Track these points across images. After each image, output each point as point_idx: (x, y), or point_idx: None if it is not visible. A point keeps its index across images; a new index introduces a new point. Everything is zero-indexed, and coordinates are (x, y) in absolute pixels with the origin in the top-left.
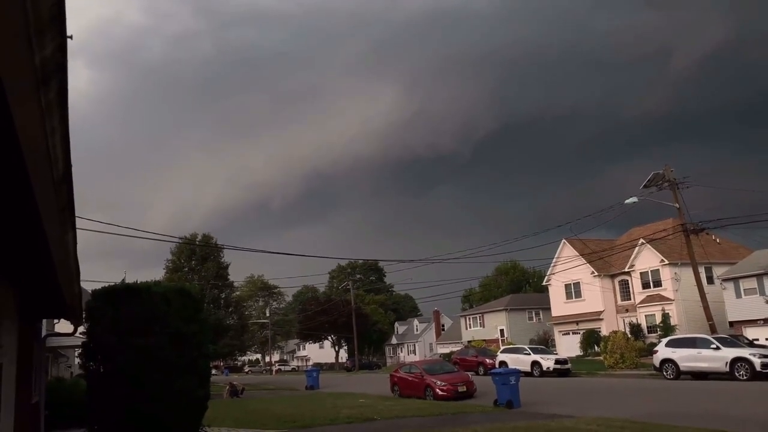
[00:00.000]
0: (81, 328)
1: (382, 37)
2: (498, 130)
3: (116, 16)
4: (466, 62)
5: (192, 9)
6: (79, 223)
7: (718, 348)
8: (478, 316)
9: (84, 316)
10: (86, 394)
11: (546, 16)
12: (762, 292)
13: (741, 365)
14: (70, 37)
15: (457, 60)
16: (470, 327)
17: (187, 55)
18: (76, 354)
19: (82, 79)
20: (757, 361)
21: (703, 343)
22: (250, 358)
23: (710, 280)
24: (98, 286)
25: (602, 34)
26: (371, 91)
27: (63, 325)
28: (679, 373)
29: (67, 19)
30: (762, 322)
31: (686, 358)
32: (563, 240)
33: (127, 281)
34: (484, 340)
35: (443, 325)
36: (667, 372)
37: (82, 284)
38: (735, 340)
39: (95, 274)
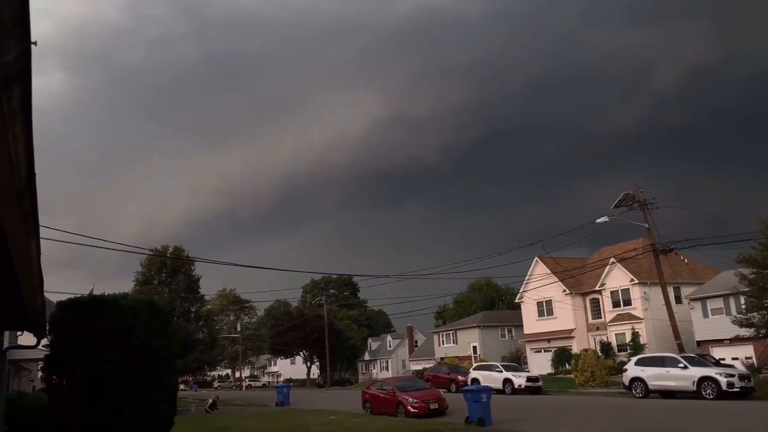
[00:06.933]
0: (44, 341)
1: (367, 43)
2: (478, 140)
3: (95, 17)
4: (451, 70)
5: (174, 11)
6: (44, 232)
7: (685, 367)
8: (451, 332)
9: (48, 328)
10: (48, 408)
11: (534, 27)
12: (728, 312)
13: (708, 384)
14: (35, 43)
15: (442, 68)
16: (443, 344)
17: (166, 59)
18: (39, 367)
19: (54, 80)
20: (723, 381)
21: (671, 362)
22: (220, 373)
23: (678, 300)
24: (65, 297)
25: (588, 48)
26: (353, 98)
27: (26, 338)
28: (648, 392)
29: (31, 24)
30: (728, 341)
31: (655, 376)
32: (536, 258)
33: (95, 293)
34: (457, 356)
35: (416, 342)
36: (636, 390)
37: (47, 295)
38: (702, 360)
39: (62, 285)
